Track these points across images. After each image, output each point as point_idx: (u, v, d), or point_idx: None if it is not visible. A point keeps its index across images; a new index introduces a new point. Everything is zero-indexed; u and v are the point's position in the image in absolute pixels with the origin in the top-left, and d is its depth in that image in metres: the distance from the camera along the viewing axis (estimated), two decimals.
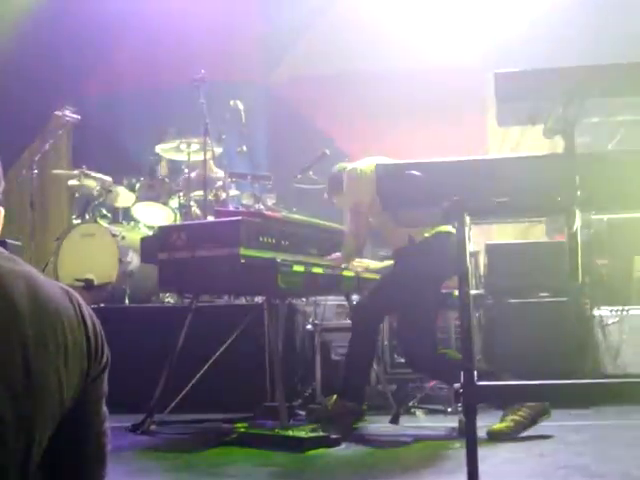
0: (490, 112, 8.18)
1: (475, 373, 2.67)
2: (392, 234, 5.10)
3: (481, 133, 8.67)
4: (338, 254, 5.33)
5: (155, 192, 7.95)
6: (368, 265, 5.55)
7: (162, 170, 8.15)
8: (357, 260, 5.48)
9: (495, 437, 4.49)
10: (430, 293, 4.99)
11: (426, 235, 4.93)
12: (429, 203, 2.76)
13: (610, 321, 6.11)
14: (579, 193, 2.61)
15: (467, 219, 2.64)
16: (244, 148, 7.68)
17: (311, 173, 6.45)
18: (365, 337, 5.15)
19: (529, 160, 2.78)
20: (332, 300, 5.96)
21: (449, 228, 4.91)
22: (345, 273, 5.40)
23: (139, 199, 7.96)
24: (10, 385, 1.37)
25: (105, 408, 1.64)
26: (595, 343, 6.05)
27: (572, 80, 2.72)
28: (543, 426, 4.54)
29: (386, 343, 6.14)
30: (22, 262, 1.51)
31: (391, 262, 5.33)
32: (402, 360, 5.93)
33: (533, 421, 4.57)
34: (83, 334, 1.53)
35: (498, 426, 4.56)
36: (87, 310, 1.57)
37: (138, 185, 8.01)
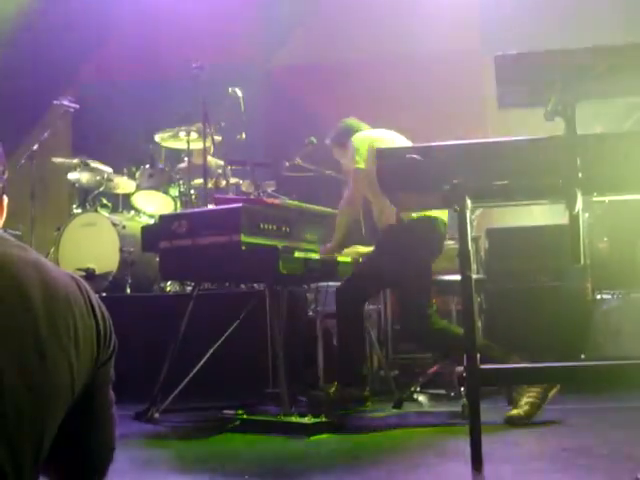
0: (489, 95, 8.17)
1: (478, 356, 2.67)
2: (382, 212, 5.12)
3: (481, 117, 8.65)
4: (328, 245, 5.32)
5: (155, 181, 7.94)
6: (358, 250, 5.54)
7: (161, 159, 8.15)
8: (352, 247, 5.48)
9: (513, 423, 4.46)
10: (418, 269, 5.02)
11: (414, 216, 4.95)
12: (430, 187, 2.76)
13: (611, 305, 6.11)
14: (580, 175, 2.61)
15: (468, 202, 2.64)
16: (243, 135, 7.66)
17: (300, 161, 6.44)
18: (351, 319, 5.16)
19: (530, 142, 2.78)
20: (333, 286, 5.96)
21: (437, 213, 4.97)
22: (343, 259, 5.40)
23: (139, 188, 7.95)
24: (25, 374, 1.38)
25: (112, 393, 1.65)
26: (596, 327, 6.05)
27: (572, 62, 2.71)
28: (546, 409, 4.54)
29: (388, 328, 6.13)
30: (31, 250, 1.51)
31: None
32: (405, 345, 5.94)
33: (544, 398, 4.53)
34: (92, 320, 1.54)
35: (515, 412, 4.51)
36: (95, 297, 1.58)
37: (138, 174, 8.00)
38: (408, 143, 5.24)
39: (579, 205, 2.59)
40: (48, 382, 1.41)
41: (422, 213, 4.95)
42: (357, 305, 5.25)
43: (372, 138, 5.23)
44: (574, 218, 2.60)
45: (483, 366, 2.75)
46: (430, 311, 4.98)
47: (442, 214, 5.07)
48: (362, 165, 5.10)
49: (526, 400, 4.52)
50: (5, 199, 1.66)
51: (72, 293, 1.51)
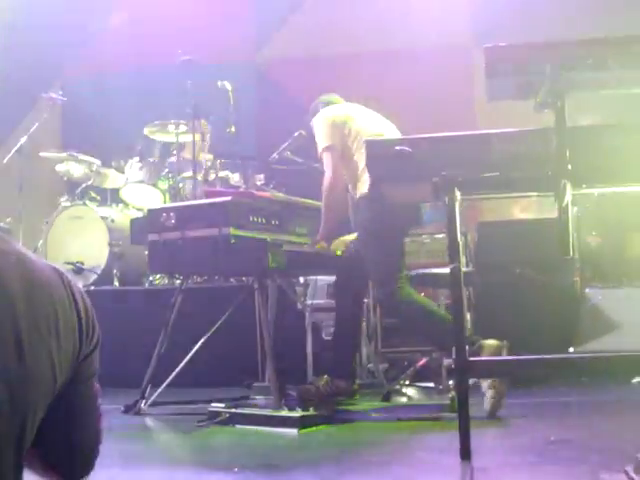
0: (478, 88, 8.18)
1: (467, 348, 2.68)
2: (356, 180, 5.02)
3: (470, 110, 8.64)
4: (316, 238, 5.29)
5: (144, 174, 7.92)
6: (345, 240, 5.52)
7: (154, 153, 8.13)
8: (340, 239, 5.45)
9: (493, 415, 4.45)
10: (390, 236, 4.91)
11: None
12: (419, 178, 2.76)
13: (600, 298, 6.11)
14: (569, 167, 2.61)
15: (457, 194, 2.64)
16: (232, 129, 7.65)
17: (289, 153, 6.43)
18: (351, 312, 5.16)
19: (519, 134, 2.78)
20: (323, 280, 5.95)
21: None
22: (335, 252, 5.39)
23: (128, 181, 7.93)
24: (3, 368, 1.36)
25: (97, 385, 1.63)
26: (585, 320, 6.06)
27: (561, 53, 2.71)
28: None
29: (377, 321, 6.13)
30: (13, 242, 1.49)
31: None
32: (394, 338, 5.93)
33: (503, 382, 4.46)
34: (75, 313, 1.52)
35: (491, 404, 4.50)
36: (78, 289, 1.56)
37: (127, 167, 7.98)
38: (380, 119, 5.20)
39: (568, 197, 2.60)
40: (28, 376, 1.39)
41: None
42: (357, 297, 5.24)
43: (334, 114, 5.16)
44: (563, 210, 2.60)
45: (472, 358, 2.75)
46: (401, 282, 4.87)
47: None
48: (328, 142, 5.03)
49: (492, 391, 4.44)
50: None
51: (53, 285, 1.49)
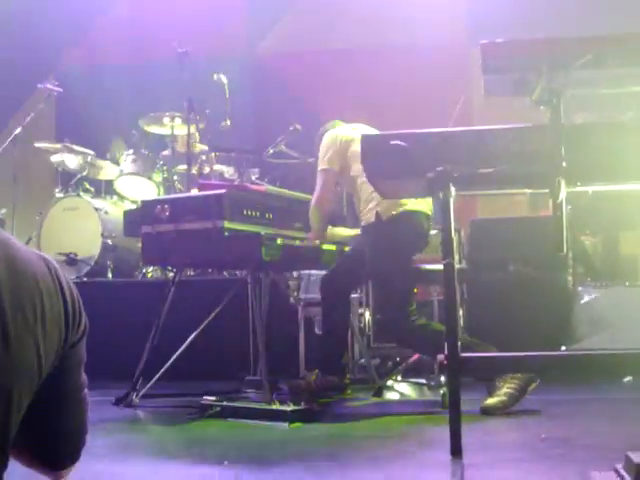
0: (475, 85, 8.17)
1: (459, 344, 2.67)
2: (362, 207, 5.08)
3: (467, 107, 8.64)
4: (309, 235, 5.31)
5: (139, 166, 7.90)
6: (341, 233, 5.52)
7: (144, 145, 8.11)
8: (330, 229, 5.46)
9: (489, 412, 4.44)
10: (399, 266, 4.93)
11: (393, 213, 4.89)
12: (414, 174, 2.76)
13: (593, 296, 6.12)
14: (564, 164, 2.61)
15: (452, 190, 2.63)
16: (228, 122, 7.65)
17: (284, 147, 6.42)
18: (337, 308, 5.16)
19: (514, 131, 2.78)
20: (316, 274, 5.95)
21: (417, 206, 4.92)
22: (327, 247, 5.39)
23: (122, 173, 7.91)
24: None
25: (84, 375, 1.62)
26: (577, 318, 6.07)
27: (558, 51, 2.71)
28: (526, 399, 4.55)
29: (369, 317, 6.13)
30: None
31: (358, 231, 5.32)
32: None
33: (523, 391, 4.51)
34: (61, 300, 1.51)
35: (491, 401, 4.49)
36: (64, 276, 1.55)
37: (121, 159, 7.96)
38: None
39: (563, 194, 2.60)
40: (13, 363, 1.37)
41: (403, 208, 4.90)
42: (343, 294, 5.25)
43: (339, 135, 5.19)
44: (557, 207, 2.60)
45: (464, 354, 2.75)
46: (410, 309, 4.93)
47: (425, 206, 4.98)
48: (327, 165, 5.09)
49: (505, 390, 4.51)
50: None
51: (39, 272, 1.48)
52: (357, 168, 4.88)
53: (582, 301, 6.09)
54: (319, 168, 5.15)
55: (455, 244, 4.78)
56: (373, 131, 5.21)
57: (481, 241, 6.62)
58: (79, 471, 1.68)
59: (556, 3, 8.44)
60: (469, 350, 4.00)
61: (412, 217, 4.92)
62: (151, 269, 7.27)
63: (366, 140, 2.98)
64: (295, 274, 5.97)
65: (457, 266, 3.87)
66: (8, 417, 1.39)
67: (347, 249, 5.39)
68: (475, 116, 7.92)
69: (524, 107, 2.94)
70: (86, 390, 1.63)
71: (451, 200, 2.64)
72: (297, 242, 5.20)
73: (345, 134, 5.19)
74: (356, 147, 4.99)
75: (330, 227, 5.46)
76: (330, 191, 5.15)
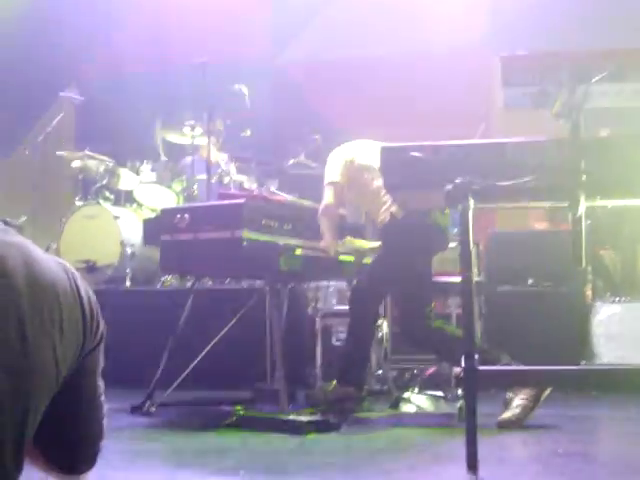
0: (495, 96, 8.16)
1: (477, 357, 2.66)
2: (375, 213, 5.12)
3: (485, 117, 8.62)
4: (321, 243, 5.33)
5: (158, 175, 7.94)
6: (361, 245, 5.53)
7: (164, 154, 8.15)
8: (349, 239, 5.48)
9: (505, 426, 4.43)
10: (420, 265, 4.98)
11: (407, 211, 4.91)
12: (433, 185, 2.75)
13: (611, 311, 6.08)
14: (584, 178, 2.60)
15: (471, 202, 2.63)
16: (248, 132, 7.67)
17: (304, 158, 6.44)
18: (364, 321, 5.15)
19: (534, 144, 2.77)
20: (334, 285, 5.95)
21: None
22: (346, 258, 5.39)
23: (142, 182, 7.95)
24: (6, 360, 1.35)
25: (101, 381, 1.63)
26: (596, 333, 6.03)
27: (578, 63, 2.71)
28: (543, 414, 4.52)
29: (387, 329, 6.11)
30: (16, 234, 1.48)
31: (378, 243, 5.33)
32: (404, 345, 5.91)
33: (537, 399, 4.47)
34: (79, 307, 1.51)
35: (506, 415, 4.47)
36: (82, 283, 1.55)
37: (141, 167, 8.00)
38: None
39: (582, 208, 2.59)
40: (30, 368, 1.38)
41: None
42: (373, 305, 5.24)
43: (345, 150, 5.27)
44: (577, 221, 2.59)
45: (481, 367, 2.74)
46: (428, 311, 4.93)
47: None
48: (332, 179, 5.14)
49: (518, 403, 4.49)
50: None
51: (58, 278, 1.48)
52: (367, 177, 4.97)
53: (600, 316, 6.05)
54: (326, 180, 5.19)
55: (473, 257, 4.78)
56: (379, 146, 5.24)
57: (500, 254, 6.60)
58: (94, 477, 1.68)
59: (577, 11, 8.39)
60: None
61: (427, 213, 4.92)
62: (169, 277, 7.28)
63: (386, 151, 2.98)
64: (313, 285, 5.97)
65: (475, 279, 3.85)
66: (25, 421, 1.40)
67: (368, 260, 5.39)
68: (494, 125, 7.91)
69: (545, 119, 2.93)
70: (103, 397, 1.64)
71: (470, 212, 2.63)
72: (315, 253, 5.20)
73: (348, 149, 5.27)
74: (361, 159, 5.11)
75: (349, 238, 5.47)
76: (334, 202, 5.17)
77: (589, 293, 6.14)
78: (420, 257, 5.01)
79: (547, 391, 4.51)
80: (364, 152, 5.18)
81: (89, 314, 1.53)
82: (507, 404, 4.54)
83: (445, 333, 4.85)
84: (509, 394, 4.54)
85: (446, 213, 5.01)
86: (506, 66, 2.77)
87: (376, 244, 5.38)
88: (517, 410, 4.45)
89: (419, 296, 4.96)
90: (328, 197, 5.16)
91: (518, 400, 4.47)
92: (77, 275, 1.54)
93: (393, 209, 4.92)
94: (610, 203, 3.70)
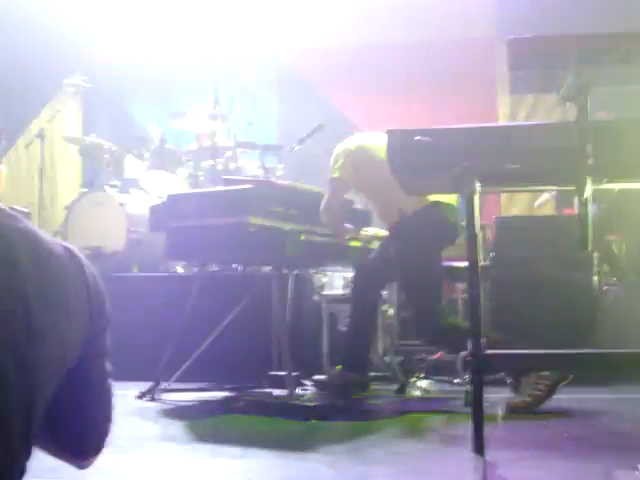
0: (501, 81, 8.14)
1: (483, 341, 2.66)
2: (383, 210, 5.07)
3: (491, 103, 8.59)
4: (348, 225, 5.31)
5: (164, 162, 7.92)
6: (376, 233, 5.52)
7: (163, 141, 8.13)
8: (364, 230, 5.47)
9: (513, 411, 4.42)
10: (430, 264, 4.94)
11: (417, 208, 4.85)
12: (439, 169, 2.75)
13: (619, 296, 6.08)
14: (590, 161, 2.59)
15: (477, 186, 2.62)
16: (254, 118, 7.66)
17: (309, 144, 6.42)
18: (365, 305, 5.15)
19: (540, 127, 2.76)
20: (340, 270, 5.95)
21: (440, 198, 4.89)
22: (352, 243, 5.39)
23: (148, 168, 7.94)
24: (11, 341, 1.36)
25: (109, 365, 1.63)
26: (603, 318, 6.02)
27: (586, 47, 2.69)
28: (552, 398, 4.51)
29: (393, 313, 6.12)
30: (24, 220, 1.48)
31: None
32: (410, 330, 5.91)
33: (551, 391, 4.46)
34: (85, 291, 1.52)
35: (515, 400, 4.48)
36: (88, 267, 1.55)
37: (147, 154, 7.99)
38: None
39: (588, 191, 2.58)
40: (36, 353, 1.39)
41: (425, 202, 4.84)
42: (375, 291, 5.24)
43: (350, 145, 5.15)
44: (583, 204, 2.58)
45: (488, 351, 2.74)
46: (440, 307, 4.92)
47: (449, 198, 4.94)
48: (337, 174, 5.04)
49: (531, 392, 4.48)
50: (3, 169, 1.63)
51: (64, 262, 1.49)
52: (373, 174, 4.87)
53: (608, 300, 6.05)
54: (330, 176, 5.10)
55: (480, 241, 4.78)
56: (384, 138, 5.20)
57: (506, 239, 6.58)
58: (103, 461, 1.69)
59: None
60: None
61: (435, 209, 4.88)
62: (176, 264, 7.28)
63: (392, 135, 2.97)
64: (319, 270, 5.97)
65: (481, 264, 3.86)
66: (32, 406, 1.40)
67: (374, 246, 5.37)
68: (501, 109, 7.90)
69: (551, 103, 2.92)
70: (110, 380, 1.64)
71: (476, 197, 2.62)
72: (320, 238, 5.19)
73: (355, 143, 5.15)
74: (369, 154, 4.99)
75: (364, 229, 5.46)
76: (338, 199, 5.11)
77: (596, 278, 6.13)
78: (433, 256, 4.97)
79: (565, 381, 4.49)
80: (370, 145, 5.08)
81: (95, 298, 1.54)
82: (515, 388, 4.53)
83: (460, 328, 4.80)
84: (524, 379, 4.51)
85: (455, 208, 4.95)
86: (513, 50, 2.75)
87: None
88: (528, 399, 4.45)
89: (433, 296, 4.93)
90: (332, 194, 5.08)
91: (532, 389, 4.45)
92: (84, 259, 1.55)
93: (402, 207, 4.85)
94: (617, 186, 3.70)
